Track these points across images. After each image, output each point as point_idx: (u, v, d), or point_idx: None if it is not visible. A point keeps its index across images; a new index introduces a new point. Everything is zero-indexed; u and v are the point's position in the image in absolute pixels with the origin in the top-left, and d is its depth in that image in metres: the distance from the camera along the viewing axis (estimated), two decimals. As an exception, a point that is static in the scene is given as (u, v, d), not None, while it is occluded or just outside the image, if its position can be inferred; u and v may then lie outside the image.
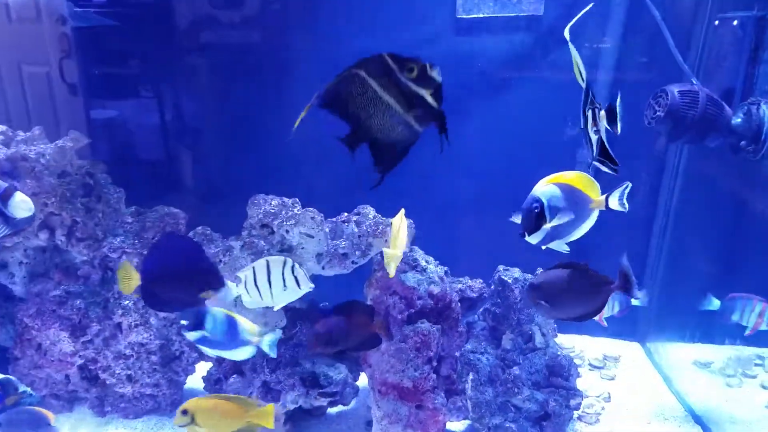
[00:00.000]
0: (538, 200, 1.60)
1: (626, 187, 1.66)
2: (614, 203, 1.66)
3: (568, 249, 1.79)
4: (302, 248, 2.15)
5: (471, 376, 2.29)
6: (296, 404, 2.30)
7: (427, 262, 2.36)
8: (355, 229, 2.20)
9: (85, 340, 2.40)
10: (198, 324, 1.85)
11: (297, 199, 2.23)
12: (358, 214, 2.29)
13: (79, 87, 2.94)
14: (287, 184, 2.37)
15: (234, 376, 2.27)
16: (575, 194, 1.65)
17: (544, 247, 1.71)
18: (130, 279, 1.84)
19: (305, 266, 2.16)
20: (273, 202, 2.23)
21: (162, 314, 2.46)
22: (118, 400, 2.54)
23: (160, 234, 2.43)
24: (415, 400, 2.30)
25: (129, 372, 2.46)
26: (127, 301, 2.40)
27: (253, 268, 1.85)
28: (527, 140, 3.00)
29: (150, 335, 2.45)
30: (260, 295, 1.87)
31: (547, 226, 1.60)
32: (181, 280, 1.84)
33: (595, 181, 1.68)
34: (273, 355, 1.90)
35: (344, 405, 2.55)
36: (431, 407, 2.30)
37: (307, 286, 1.86)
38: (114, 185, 2.51)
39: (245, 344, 1.90)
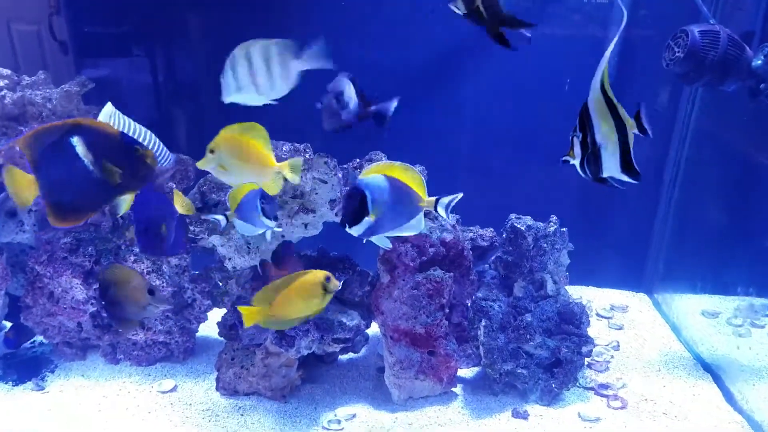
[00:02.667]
0: (360, 191, 1.46)
1: (456, 198, 1.59)
2: (442, 210, 1.58)
3: (390, 245, 1.68)
4: (315, 194, 2.07)
5: (483, 323, 2.22)
6: (309, 350, 2.24)
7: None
8: (367, 175, 2.11)
9: (96, 288, 2.34)
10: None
11: (309, 144, 2.13)
12: (369, 160, 2.19)
13: (69, 45, 2.82)
14: (295, 130, 2.28)
15: (248, 321, 2.20)
16: (403, 190, 1.54)
17: (365, 240, 1.58)
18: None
19: (319, 212, 2.08)
20: (284, 147, 2.14)
21: (174, 261, 2.39)
22: (131, 348, 2.50)
23: (176, 180, 2.36)
24: (428, 347, 2.25)
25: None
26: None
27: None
28: (538, 92, 2.90)
29: (162, 282, 2.38)
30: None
31: (370, 218, 1.46)
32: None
33: (423, 179, 1.58)
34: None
35: (354, 352, 2.51)
36: (443, 353, 2.26)
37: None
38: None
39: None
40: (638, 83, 2.94)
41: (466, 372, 2.49)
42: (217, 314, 2.62)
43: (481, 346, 2.24)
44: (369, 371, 2.55)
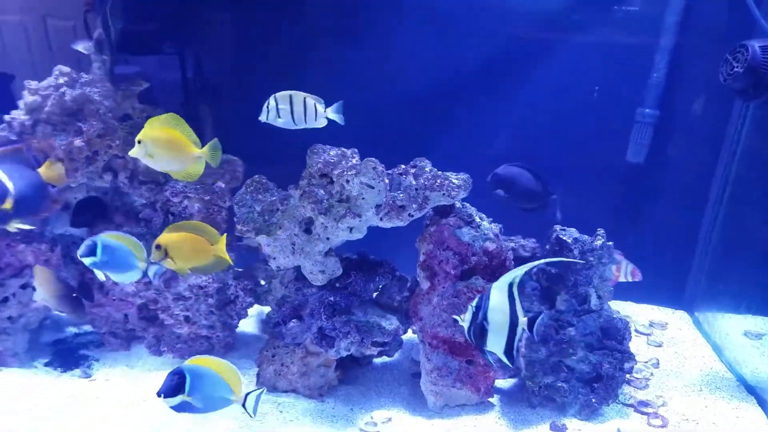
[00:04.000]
0: (181, 372, 1.71)
1: (261, 392, 1.85)
2: (249, 405, 1.82)
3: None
4: (362, 198, 2.04)
5: (525, 335, 2.16)
6: (348, 351, 2.22)
7: (480, 218, 2.22)
8: (413, 182, 2.07)
9: (147, 281, 2.35)
10: (91, 251, 1.92)
11: (356, 150, 2.10)
12: (414, 166, 2.15)
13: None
14: (340, 134, 2.27)
15: (293, 320, 2.19)
16: (218, 382, 1.77)
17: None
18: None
19: (364, 216, 2.05)
20: (332, 152, 2.12)
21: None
22: (175, 341, 2.51)
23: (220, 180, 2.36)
24: (466, 356, 2.21)
25: (187, 313, 2.42)
26: (187, 244, 2.33)
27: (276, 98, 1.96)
28: (581, 104, 2.83)
29: (209, 278, 2.39)
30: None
31: (184, 397, 1.69)
32: None
33: (240, 377, 1.81)
34: (155, 281, 2.07)
35: (388, 356, 2.47)
36: (482, 363, 2.20)
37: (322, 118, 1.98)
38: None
39: (133, 268, 1.99)
40: (687, 94, 2.84)
41: (502, 383, 2.44)
42: (256, 311, 2.64)
43: (522, 358, 2.18)
44: (403, 376, 2.51)
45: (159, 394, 1.69)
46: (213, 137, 1.94)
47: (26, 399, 2.24)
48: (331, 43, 2.89)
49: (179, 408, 1.73)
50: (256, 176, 2.31)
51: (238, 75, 2.98)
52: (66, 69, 2.29)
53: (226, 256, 2.02)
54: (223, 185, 2.41)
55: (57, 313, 2.69)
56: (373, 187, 2.02)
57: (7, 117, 2.24)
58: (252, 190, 2.28)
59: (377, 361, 2.57)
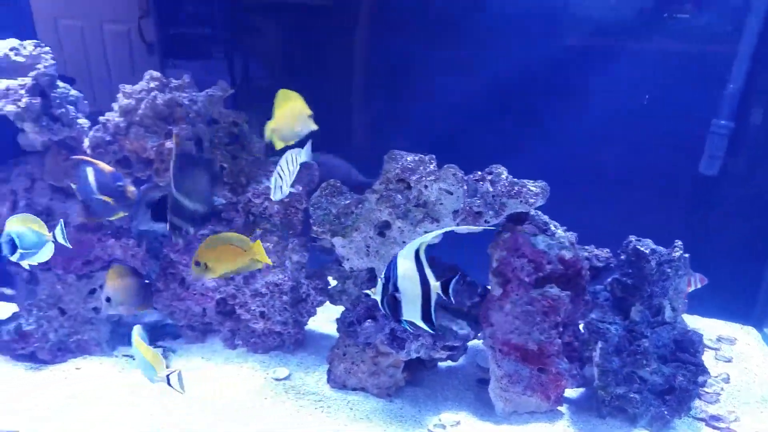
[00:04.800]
0: None
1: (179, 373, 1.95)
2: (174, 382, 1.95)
3: None
4: (440, 204, 2.05)
5: (600, 345, 2.13)
6: (418, 353, 2.23)
7: (555, 226, 2.20)
8: (490, 188, 2.07)
9: (228, 278, 2.42)
10: (12, 249, 1.97)
11: (433, 156, 2.12)
12: (490, 173, 2.15)
13: (156, 46, 2.92)
14: (409, 138, 2.28)
15: (368, 320, 2.22)
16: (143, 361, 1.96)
17: None
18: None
19: (442, 221, 2.06)
20: (409, 158, 2.13)
21: (295, 258, 2.45)
22: (249, 335, 2.57)
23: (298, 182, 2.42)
24: (539, 363, 2.19)
25: (263, 309, 2.48)
26: (268, 244, 2.39)
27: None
28: (653, 113, 2.77)
29: (284, 277, 2.44)
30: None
31: None
32: None
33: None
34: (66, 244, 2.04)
35: (453, 361, 2.47)
36: (554, 371, 2.18)
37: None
38: (256, 135, 2.48)
39: (44, 243, 2.02)
40: (764, 106, 2.75)
41: (569, 392, 2.40)
42: (324, 310, 2.68)
43: (595, 368, 2.15)
44: (469, 381, 2.51)
45: None
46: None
47: (117, 386, 2.34)
48: (401, 46, 2.90)
49: None
50: (331, 180, 2.35)
51: (286, 79, 3.01)
52: (156, 74, 2.39)
53: (266, 259, 2.09)
54: (300, 188, 2.46)
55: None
56: (451, 193, 2.03)
57: (102, 118, 2.35)
58: (327, 194, 2.32)
59: (442, 365, 2.57)
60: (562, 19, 2.71)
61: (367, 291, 1.77)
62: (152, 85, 2.38)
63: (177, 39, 2.95)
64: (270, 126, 1.95)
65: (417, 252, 1.61)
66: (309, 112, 1.93)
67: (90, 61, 2.96)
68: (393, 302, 1.63)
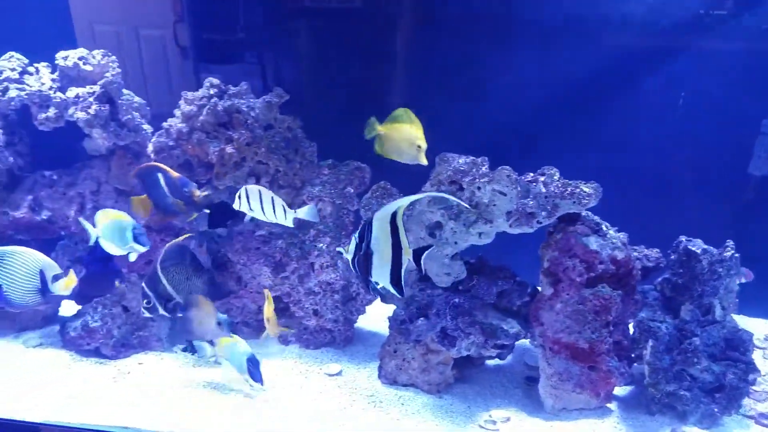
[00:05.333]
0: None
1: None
2: None
3: None
4: (494, 205, 2.08)
5: (651, 343, 2.15)
6: (468, 351, 2.27)
7: (606, 227, 2.22)
8: (543, 190, 2.10)
9: (283, 276, 2.50)
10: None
11: (486, 158, 2.15)
12: (542, 174, 2.18)
13: (190, 50, 2.94)
14: (454, 141, 2.31)
15: (421, 319, 2.26)
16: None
17: None
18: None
19: (495, 222, 2.10)
20: (461, 160, 2.17)
21: (347, 257, 2.51)
22: (302, 332, 2.64)
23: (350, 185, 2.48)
24: (589, 362, 2.21)
25: (316, 307, 2.54)
26: (321, 244, 2.46)
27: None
28: (702, 114, 2.75)
29: (336, 276, 2.50)
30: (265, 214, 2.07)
31: None
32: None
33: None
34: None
35: (501, 359, 2.50)
36: (605, 369, 2.20)
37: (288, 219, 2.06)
38: (308, 140, 2.55)
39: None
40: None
41: (618, 390, 2.41)
42: (373, 309, 2.74)
43: (646, 366, 2.17)
44: (516, 379, 2.54)
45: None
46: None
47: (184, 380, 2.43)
48: (446, 50, 2.92)
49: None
50: (382, 182, 2.40)
51: (319, 82, 3.02)
52: (216, 81, 2.47)
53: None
54: (352, 190, 2.52)
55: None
56: (505, 194, 2.06)
57: (165, 124, 2.44)
58: (377, 195, 2.37)
59: (490, 363, 2.60)
60: (610, 19, 2.70)
61: (339, 249, 1.77)
62: (212, 92, 2.46)
63: (211, 44, 3.00)
64: (380, 137, 1.92)
65: (394, 216, 1.60)
66: (424, 145, 1.87)
67: (125, 65, 3.01)
68: (364, 262, 1.63)
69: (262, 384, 2.15)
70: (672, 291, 2.27)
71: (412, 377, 2.40)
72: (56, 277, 2.10)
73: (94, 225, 2.12)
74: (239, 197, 2.07)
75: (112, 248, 2.10)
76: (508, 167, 2.08)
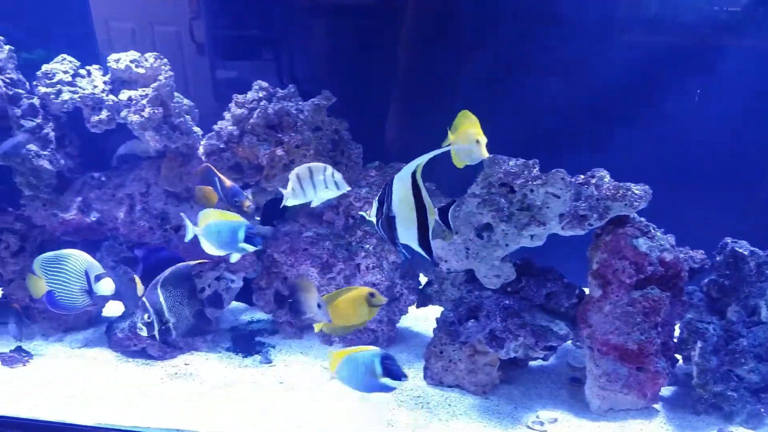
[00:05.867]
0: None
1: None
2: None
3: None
4: (547, 207, 2.10)
5: (699, 344, 2.16)
6: (516, 353, 2.28)
7: (654, 229, 2.22)
8: (595, 192, 2.11)
9: (330, 277, 2.50)
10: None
11: (537, 160, 2.16)
12: (593, 176, 2.18)
13: (205, 47, 2.92)
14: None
15: (471, 321, 2.27)
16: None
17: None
18: None
19: (548, 224, 2.11)
20: (511, 162, 2.18)
21: (391, 259, 2.52)
22: (345, 333, 2.65)
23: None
24: (637, 363, 2.21)
25: (362, 308, 2.55)
26: (368, 246, 2.47)
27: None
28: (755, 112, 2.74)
29: (382, 277, 2.51)
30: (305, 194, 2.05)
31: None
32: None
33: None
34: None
35: (544, 360, 2.51)
36: (653, 370, 2.21)
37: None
38: (354, 142, 2.56)
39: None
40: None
41: (662, 390, 2.42)
42: (415, 311, 2.74)
43: (694, 366, 2.18)
44: (561, 379, 2.55)
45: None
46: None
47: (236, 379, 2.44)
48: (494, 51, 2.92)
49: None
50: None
51: (335, 80, 2.97)
52: (264, 84, 2.48)
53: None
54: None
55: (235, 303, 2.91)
56: (559, 197, 2.07)
57: (215, 126, 2.45)
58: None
59: (533, 364, 2.61)
60: (657, 18, 2.70)
61: (362, 212, 1.73)
62: (260, 94, 2.47)
63: (227, 40, 2.99)
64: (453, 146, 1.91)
65: (414, 176, 1.54)
66: (483, 139, 1.84)
67: None
68: (388, 225, 1.57)
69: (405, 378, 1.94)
70: (718, 292, 2.28)
71: (458, 378, 2.41)
72: (98, 277, 2.10)
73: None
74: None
75: (211, 248, 2.06)
76: (562, 170, 2.09)
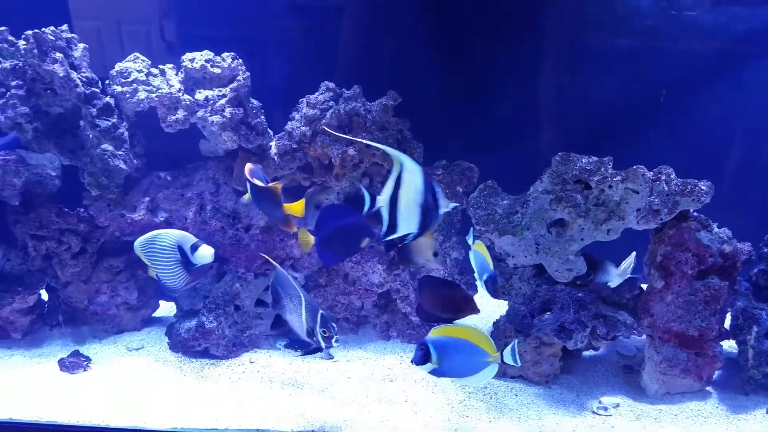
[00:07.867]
0: (425, 343, 1.84)
1: (515, 343, 1.89)
2: (508, 358, 1.88)
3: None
4: (626, 203, 2.16)
5: (755, 329, 2.27)
6: (582, 343, 2.34)
7: (711, 222, 2.32)
8: (665, 188, 2.18)
9: (395, 273, 2.50)
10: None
11: (611, 158, 2.21)
12: (660, 173, 2.25)
13: (177, 46, 2.81)
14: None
15: (547, 313, 2.31)
16: (466, 346, 1.85)
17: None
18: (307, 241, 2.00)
19: (627, 219, 2.17)
20: (584, 159, 2.23)
21: (453, 255, 2.53)
22: (406, 327, 2.65)
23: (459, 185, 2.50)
24: (696, 348, 2.31)
25: (425, 303, 2.55)
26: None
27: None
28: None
29: (444, 273, 2.53)
30: None
31: (433, 364, 1.83)
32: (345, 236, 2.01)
33: (490, 338, 1.87)
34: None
35: (594, 350, 2.58)
36: (711, 354, 2.31)
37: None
38: (416, 140, 2.56)
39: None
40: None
41: (711, 373, 2.54)
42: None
43: (750, 349, 2.29)
44: (613, 368, 2.62)
45: (413, 362, 1.85)
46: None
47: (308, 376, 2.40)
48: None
49: (436, 373, 1.88)
50: (489, 181, 2.44)
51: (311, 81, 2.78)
52: (331, 84, 2.45)
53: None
54: (460, 189, 2.55)
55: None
56: (638, 192, 2.14)
57: (287, 126, 2.40)
58: (485, 194, 2.41)
59: (585, 353, 2.68)
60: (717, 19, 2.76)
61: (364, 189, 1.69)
62: (327, 95, 2.44)
63: (198, 39, 2.85)
64: None
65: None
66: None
67: (107, 61, 2.60)
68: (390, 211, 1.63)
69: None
70: (767, 281, 2.40)
71: (522, 369, 2.45)
72: (194, 247, 2.03)
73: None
74: None
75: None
76: (642, 166, 2.15)
